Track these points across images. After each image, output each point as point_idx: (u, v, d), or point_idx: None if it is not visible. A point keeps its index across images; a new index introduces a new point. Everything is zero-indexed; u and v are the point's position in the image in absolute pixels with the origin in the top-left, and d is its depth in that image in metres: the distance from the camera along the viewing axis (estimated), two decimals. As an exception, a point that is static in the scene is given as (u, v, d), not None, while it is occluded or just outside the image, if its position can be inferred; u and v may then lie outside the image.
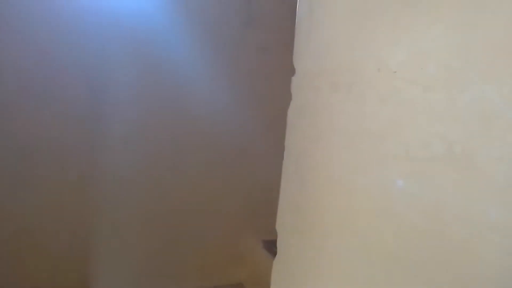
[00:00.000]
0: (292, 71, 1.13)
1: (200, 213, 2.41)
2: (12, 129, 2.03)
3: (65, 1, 1.99)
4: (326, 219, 0.89)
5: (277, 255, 1.15)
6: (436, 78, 0.63)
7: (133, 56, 2.15)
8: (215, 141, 2.36)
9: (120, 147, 2.20)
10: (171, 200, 2.34)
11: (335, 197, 0.85)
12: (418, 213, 0.65)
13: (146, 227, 2.33)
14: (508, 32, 0.52)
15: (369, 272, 0.74)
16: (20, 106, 2.02)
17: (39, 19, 1.99)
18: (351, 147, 0.82)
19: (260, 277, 2.41)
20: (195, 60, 2.22)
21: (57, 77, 2.06)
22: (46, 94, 2.05)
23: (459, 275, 0.57)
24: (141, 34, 2.12)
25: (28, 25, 1.99)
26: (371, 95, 0.77)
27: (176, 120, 2.27)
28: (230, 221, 2.52)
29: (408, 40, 0.69)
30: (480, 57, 0.55)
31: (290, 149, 1.12)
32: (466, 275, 0.56)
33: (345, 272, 0.81)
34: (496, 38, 0.53)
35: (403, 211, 0.68)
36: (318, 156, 0.94)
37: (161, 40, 2.15)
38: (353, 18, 0.81)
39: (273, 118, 2.21)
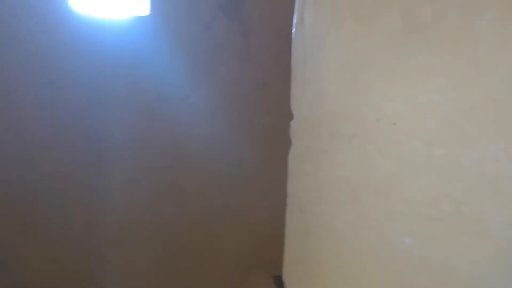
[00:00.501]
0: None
1: (206, 253, 2.36)
2: (12, 179, 2.02)
3: (54, 49, 2.00)
4: (332, 274, 0.85)
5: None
6: (437, 133, 0.60)
7: (130, 99, 2.14)
8: (217, 178, 2.32)
9: (123, 193, 2.18)
10: (175, 241, 2.30)
11: (339, 252, 0.81)
12: (427, 276, 0.61)
13: (150, 271, 2.28)
14: (510, 89, 0.49)
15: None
16: (19, 156, 2.02)
17: (34, 67, 2.00)
18: (354, 200, 0.78)
19: (271, 316, 2.33)
20: (192, 98, 2.21)
21: (56, 125, 2.05)
22: (46, 143, 2.04)
23: None
24: (137, 75, 2.12)
25: (23, 73, 1.99)
26: (372, 147, 0.74)
27: (177, 160, 2.25)
28: (238, 257, 2.46)
29: (406, 92, 0.66)
30: (482, 114, 0.52)
31: (293, 196, 1.08)
32: None
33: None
34: (498, 95, 0.50)
35: (411, 272, 0.64)
36: (321, 207, 0.91)
37: (157, 79, 2.14)
38: (348, 68, 0.79)
39: (275, 152, 2.17)
